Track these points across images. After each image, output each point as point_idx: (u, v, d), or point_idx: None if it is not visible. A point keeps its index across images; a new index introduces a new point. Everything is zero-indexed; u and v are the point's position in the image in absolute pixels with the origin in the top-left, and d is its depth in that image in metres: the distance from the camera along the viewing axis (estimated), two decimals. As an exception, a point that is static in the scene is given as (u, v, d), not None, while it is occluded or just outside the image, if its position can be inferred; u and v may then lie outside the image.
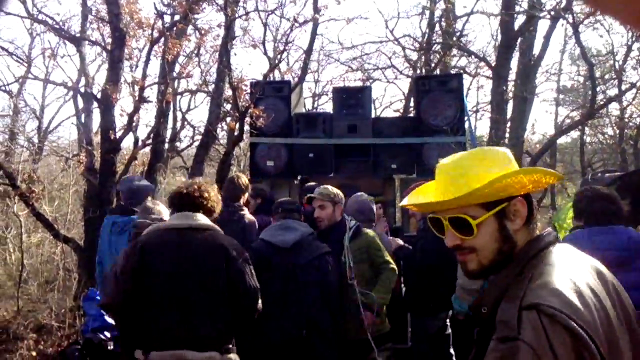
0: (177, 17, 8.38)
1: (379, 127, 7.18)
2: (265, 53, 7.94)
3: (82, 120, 11.54)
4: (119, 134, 7.29)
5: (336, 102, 7.36)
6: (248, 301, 3.13)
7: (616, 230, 3.20)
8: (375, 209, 4.93)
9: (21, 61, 14.73)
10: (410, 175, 7.14)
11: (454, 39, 12.33)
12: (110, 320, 4.62)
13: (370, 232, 4.30)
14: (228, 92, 9.75)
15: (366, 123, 7.12)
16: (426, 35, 14.75)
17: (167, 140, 12.65)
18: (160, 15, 7.54)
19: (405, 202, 1.73)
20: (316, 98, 18.48)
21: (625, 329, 1.39)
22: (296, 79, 9.50)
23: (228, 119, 11.16)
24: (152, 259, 3.10)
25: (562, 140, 16.94)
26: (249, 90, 7.18)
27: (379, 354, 4.12)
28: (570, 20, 7.27)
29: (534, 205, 1.54)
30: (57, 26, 8.68)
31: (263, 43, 7.79)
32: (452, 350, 4.72)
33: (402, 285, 5.27)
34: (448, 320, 4.67)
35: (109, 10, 7.37)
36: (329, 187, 4.33)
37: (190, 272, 3.05)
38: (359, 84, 16.62)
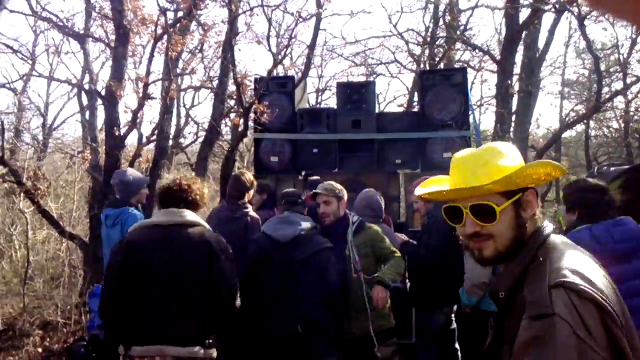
0: (180, 14, 8.37)
1: (383, 122, 7.17)
2: (270, 49, 7.90)
3: (87, 117, 11.57)
4: (123, 131, 7.30)
5: (340, 97, 7.35)
6: (226, 298, 3.15)
7: (625, 221, 3.22)
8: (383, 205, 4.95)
9: (25, 58, 14.79)
10: (414, 170, 7.12)
11: (458, 33, 12.28)
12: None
13: (373, 226, 4.28)
14: (232, 88, 9.75)
15: (370, 118, 7.11)
16: (430, 29, 14.71)
17: (171, 136, 12.67)
18: (163, 11, 7.52)
19: (422, 191, 1.78)
20: (320, 93, 18.49)
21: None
22: (300, 74, 9.49)
23: (232, 115, 11.16)
24: (137, 256, 3.12)
25: (567, 133, 16.88)
26: (253, 86, 7.17)
27: (385, 350, 4.11)
28: (576, 14, 7.22)
29: (538, 197, 1.66)
30: (61, 23, 8.69)
31: (267, 39, 7.77)
32: (457, 345, 4.71)
33: (407, 280, 5.27)
34: (453, 315, 4.66)
35: (113, 7, 7.36)
36: (333, 182, 4.31)
37: (174, 268, 3.06)
38: (363, 78, 16.62)
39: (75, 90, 15.06)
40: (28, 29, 32.90)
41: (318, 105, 16.40)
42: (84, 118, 12.90)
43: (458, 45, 13.81)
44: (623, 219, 3.23)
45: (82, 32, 9.66)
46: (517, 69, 11.46)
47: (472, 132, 7.35)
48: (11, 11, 8.09)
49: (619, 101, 13.73)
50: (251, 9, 7.73)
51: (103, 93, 7.55)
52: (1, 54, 16.45)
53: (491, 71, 14.57)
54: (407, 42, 15.25)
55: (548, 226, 1.64)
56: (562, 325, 1.33)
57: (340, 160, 7.07)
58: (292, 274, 3.64)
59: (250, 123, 7.05)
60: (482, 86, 17.96)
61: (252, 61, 34.88)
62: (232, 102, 10.73)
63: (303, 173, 7.09)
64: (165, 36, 7.54)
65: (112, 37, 8.39)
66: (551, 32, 11.92)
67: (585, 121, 13.28)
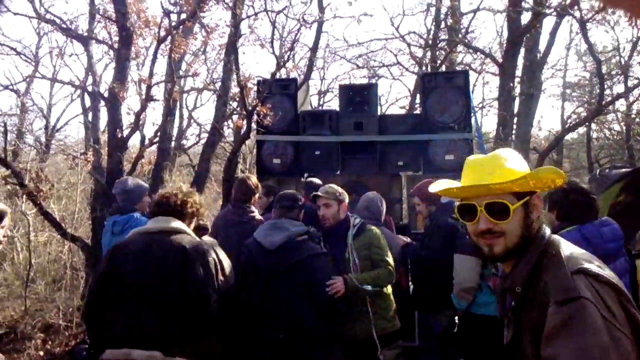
0: (183, 16, 8.39)
1: (385, 125, 7.17)
2: (273, 52, 7.91)
3: (89, 118, 11.59)
4: (125, 132, 7.31)
5: (342, 99, 7.35)
6: (201, 306, 3.03)
7: (609, 222, 3.34)
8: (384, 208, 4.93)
9: (29, 60, 14.84)
10: (416, 172, 7.13)
11: (460, 35, 12.29)
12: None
13: (374, 229, 4.23)
14: (235, 90, 9.77)
15: (372, 120, 7.11)
16: (431, 32, 14.72)
17: (173, 138, 12.68)
18: (167, 13, 7.54)
19: (438, 188, 1.89)
20: (322, 95, 18.50)
21: None
22: (302, 77, 9.49)
23: (234, 117, 11.18)
24: (118, 262, 3.12)
25: (569, 136, 16.87)
26: (255, 89, 7.18)
27: (388, 353, 4.11)
28: (577, 17, 7.23)
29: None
30: (65, 25, 8.71)
31: (271, 42, 7.78)
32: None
33: (410, 282, 5.27)
34: (456, 317, 4.65)
35: (116, 9, 7.38)
36: (334, 185, 4.29)
37: (146, 273, 3.03)
38: (365, 80, 16.63)
39: (78, 92, 15.11)
40: (32, 31, 32.99)
41: (320, 108, 16.42)
42: (87, 120, 12.93)
43: (460, 47, 13.81)
44: (607, 220, 3.32)
45: (85, 34, 9.68)
46: (518, 72, 11.47)
47: (474, 135, 7.35)
48: (15, 13, 8.12)
49: (621, 104, 13.73)
50: (255, 14, 7.74)
51: (106, 95, 7.56)
52: (5, 56, 16.47)
53: (493, 74, 14.59)
54: (409, 45, 15.27)
55: (547, 227, 1.79)
56: (590, 307, 1.46)
57: (342, 162, 7.08)
58: (277, 281, 3.56)
59: (253, 125, 7.06)
60: (483, 88, 17.96)
61: (256, 64, 34.95)
62: (234, 104, 10.74)
63: (305, 175, 7.09)
64: (169, 38, 7.56)
65: (116, 39, 8.42)
66: (552, 35, 11.93)
67: (587, 123, 13.27)
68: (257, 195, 4.97)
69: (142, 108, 7.30)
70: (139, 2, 8.37)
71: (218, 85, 11.07)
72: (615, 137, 16.24)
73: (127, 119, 7.52)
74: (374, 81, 16.19)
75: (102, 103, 8.33)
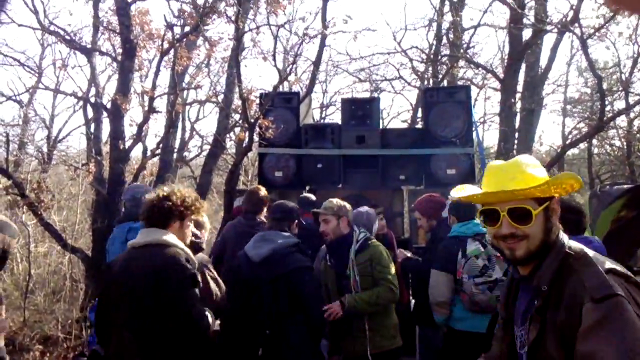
0: (187, 29, 8.44)
1: (387, 138, 7.19)
2: (275, 65, 7.94)
3: (92, 130, 11.61)
4: (128, 144, 7.32)
5: (345, 113, 7.38)
6: (177, 322, 2.92)
7: (592, 239, 3.39)
8: (377, 222, 4.86)
9: (32, 71, 14.90)
10: (418, 186, 7.13)
11: (462, 51, 12.35)
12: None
13: (378, 245, 4.15)
14: (237, 103, 9.79)
15: (374, 134, 7.13)
16: (433, 47, 14.79)
17: (175, 149, 12.71)
18: (170, 26, 7.59)
19: (460, 194, 1.95)
20: (324, 108, 18.55)
21: None
22: (304, 90, 9.52)
23: (237, 130, 11.20)
24: (109, 277, 3.10)
25: (570, 151, 16.88)
26: (258, 102, 7.20)
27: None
28: (578, 34, 7.27)
29: None
30: (69, 37, 8.74)
31: (273, 55, 7.81)
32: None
33: (411, 297, 5.25)
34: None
35: (120, 21, 7.42)
36: (334, 200, 4.23)
37: (126, 291, 2.95)
38: (367, 94, 16.69)
39: (81, 103, 15.13)
40: (36, 42, 33.19)
41: (322, 121, 16.46)
42: (89, 131, 12.95)
43: (461, 62, 13.87)
44: (591, 238, 3.35)
45: (89, 45, 9.71)
46: (519, 87, 11.50)
47: (475, 149, 7.36)
48: (19, 25, 8.15)
49: (622, 120, 13.75)
50: (257, 27, 7.78)
51: (109, 106, 7.58)
52: (8, 67, 16.56)
53: (494, 89, 14.63)
54: (411, 60, 15.32)
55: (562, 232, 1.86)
56: (626, 304, 1.53)
57: (344, 175, 7.09)
58: (260, 294, 3.54)
59: (255, 138, 7.08)
60: (485, 103, 17.99)
61: (258, 77, 35.13)
62: (237, 117, 10.77)
63: (307, 188, 7.09)
64: (172, 51, 7.59)
65: (119, 51, 8.45)
66: (553, 51, 11.99)
67: (587, 139, 13.29)
68: (265, 208, 4.98)
69: (144, 120, 7.31)
70: (143, 14, 8.43)
71: (221, 97, 11.09)
72: (616, 153, 16.25)
73: (129, 131, 7.55)
74: (376, 95, 16.26)
75: (105, 114, 8.33)
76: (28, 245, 8.26)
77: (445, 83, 13.35)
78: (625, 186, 6.11)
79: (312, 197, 5.71)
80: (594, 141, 15.39)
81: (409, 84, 16.23)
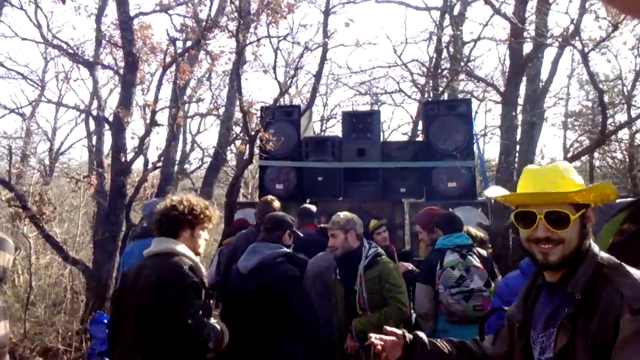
0: (189, 43, 8.49)
1: (388, 151, 7.20)
2: (276, 78, 7.99)
3: (94, 142, 11.65)
4: (129, 157, 7.34)
5: (345, 125, 7.39)
6: (176, 332, 2.89)
7: None
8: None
9: (35, 84, 14.98)
10: (419, 199, 7.13)
11: (462, 64, 12.39)
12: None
13: (387, 261, 4.07)
14: (238, 115, 9.84)
15: (375, 147, 7.15)
16: (434, 60, 14.83)
17: (176, 162, 12.73)
18: (172, 41, 7.64)
19: (495, 193, 1.96)
20: (324, 121, 18.60)
21: None
22: (305, 103, 9.56)
23: (237, 142, 11.23)
24: (121, 285, 3.13)
25: (571, 164, 16.86)
26: (259, 115, 7.23)
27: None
28: (579, 47, 7.30)
29: None
30: (71, 51, 8.81)
31: (274, 68, 7.86)
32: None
33: (412, 310, 5.23)
34: None
35: (122, 35, 7.48)
36: (341, 214, 4.18)
37: (132, 300, 2.98)
38: (367, 107, 16.73)
39: (83, 116, 15.19)
40: (39, 55, 33.36)
41: (323, 133, 16.49)
42: (91, 143, 13.00)
43: (462, 75, 13.91)
44: None
45: (91, 59, 9.78)
46: (520, 100, 11.51)
47: (476, 162, 7.37)
48: (23, 39, 8.22)
49: (624, 133, 13.75)
50: (258, 40, 7.83)
51: (111, 119, 7.62)
52: (11, 80, 16.65)
53: (495, 101, 14.66)
54: (411, 73, 15.37)
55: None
56: None
57: (345, 188, 7.09)
58: (247, 305, 3.54)
59: (256, 150, 7.09)
60: (486, 116, 18.04)
61: (259, 90, 35.28)
62: (238, 130, 10.81)
63: (308, 201, 7.09)
64: (174, 65, 7.64)
65: (121, 64, 8.51)
66: (555, 64, 12.01)
67: (589, 152, 13.27)
68: None
69: (146, 133, 7.34)
70: (145, 29, 8.50)
71: (222, 110, 11.14)
72: (618, 166, 16.22)
73: (131, 143, 7.57)
74: (376, 107, 16.30)
75: (107, 127, 8.37)
76: (29, 257, 8.26)
77: (445, 96, 13.38)
78: (627, 199, 6.10)
79: (313, 207, 5.70)
80: (596, 154, 15.36)
81: (409, 97, 16.26)
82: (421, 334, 2.11)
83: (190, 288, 2.93)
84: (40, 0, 12.43)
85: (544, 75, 11.89)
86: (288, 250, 3.79)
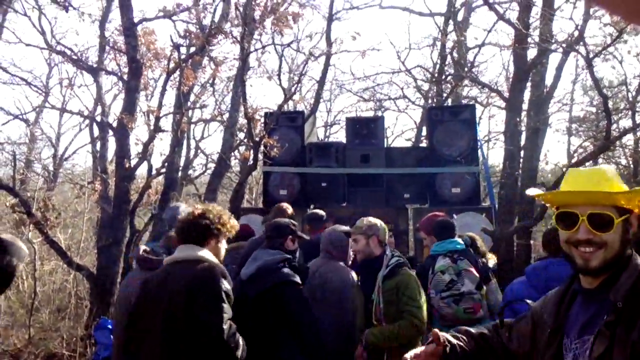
0: (192, 49, 8.52)
1: (392, 157, 7.20)
2: (280, 84, 8.00)
3: (97, 148, 11.69)
4: (133, 162, 7.35)
5: (349, 131, 7.40)
6: (209, 339, 2.91)
7: None
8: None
9: (39, 91, 15.03)
10: (423, 205, 7.12)
11: (466, 70, 12.39)
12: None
13: (407, 273, 3.85)
14: (242, 121, 9.85)
15: (379, 153, 7.15)
16: (437, 66, 14.84)
17: (180, 168, 12.74)
18: (176, 47, 7.66)
19: (536, 191, 1.93)
20: (328, 127, 18.61)
21: None
22: (309, 109, 9.57)
23: (241, 148, 11.24)
24: (144, 295, 3.11)
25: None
26: (263, 121, 7.24)
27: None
28: (584, 53, 7.29)
29: None
30: (75, 57, 8.85)
31: (279, 75, 7.88)
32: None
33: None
34: None
35: (126, 41, 7.51)
36: (365, 219, 4.08)
37: (160, 307, 2.97)
38: (371, 113, 16.73)
39: (87, 121, 15.25)
40: (42, 61, 33.52)
41: (326, 139, 16.50)
42: (95, 149, 13.03)
43: (466, 81, 13.91)
44: None
45: (95, 65, 9.83)
46: (524, 106, 11.50)
47: (480, 168, 7.36)
48: (27, 45, 8.26)
49: (628, 138, 13.72)
50: (263, 47, 7.86)
51: (114, 125, 7.64)
52: (16, 86, 16.72)
53: (499, 107, 14.65)
54: (415, 79, 15.40)
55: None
56: None
57: (348, 194, 7.09)
58: (246, 311, 3.50)
59: (260, 156, 7.10)
60: (489, 121, 18.01)
61: (263, 96, 35.36)
62: (242, 136, 10.82)
63: (312, 207, 7.09)
64: (178, 71, 7.66)
65: (125, 70, 8.53)
66: (559, 69, 11.99)
67: (593, 158, 13.24)
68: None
69: (150, 139, 7.35)
70: (149, 34, 8.52)
71: (225, 116, 11.17)
72: (622, 171, 16.18)
73: (135, 149, 7.58)
74: (379, 113, 16.31)
75: (111, 133, 8.40)
76: (34, 263, 8.27)
77: (449, 102, 13.38)
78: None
79: (320, 212, 5.67)
80: (600, 160, 15.33)
81: (413, 102, 16.28)
82: (455, 341, 2.03)
83: (225, 294, 2.97)
84: (44, 6, 12.49)
85: (549, 81, 11.87)
86: (288, 256, 3.75)
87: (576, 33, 7.81)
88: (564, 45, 8.78)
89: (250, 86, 18.26)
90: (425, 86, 15.60)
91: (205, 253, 3.11)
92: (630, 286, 1.68)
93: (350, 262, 4.26)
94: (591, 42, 9.32)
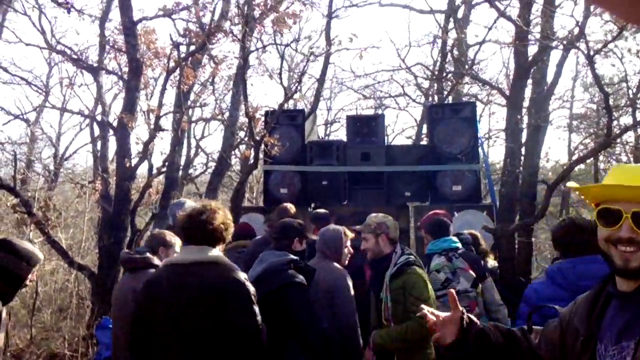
0: (192, 47, 8.51)
1: (393, 155, 7.20)
2: (281, 83, 7.99)
3: (98, 147, 11.69)
4: (134, 162, 7.35)
5: (350, 130, 7.40)
6: (245, 342, 2.93)
7: (598, 259, 3.25)
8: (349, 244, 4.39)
9: (39, 90, 15.03)
10: (424, 202, 7.12)
11: (466, 67, 12.38)
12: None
13: (415, 272, 3.69)
14: (242, 120, 9.84)
15: (380, 151, 7.14)
16: (438, 63, 14.83)
17: (181, 167, 12.74)
18: (176, 45, 7.66)
19: (573, 184, 1.89)
20: (329, 125, 18.60)
21: None
22: (309, 107, 9.56)
23: (242, 147, 11.24)
24: (154, 297, 3.03)
25: (576, 167, 16.82)
26: (263, 119, 7.24)
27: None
28: (584, 50, 7.27)
29: None
30: (75, 56, 8.85)
31: (279, 74, 7.87)
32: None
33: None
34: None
35: (126, 40, 7.50)
36: (374, 216, 4.00)
37: (183, 310, 2.91)
38: (371, 110, 16.72)
39: (87, 121, 15.25)
40: (43, 61, 33.53)
41: (327, 137, 16.49)
42: (95, 149, 13.03)
43: (466, 79, 13.89)
44: (596, 258, 3.26)
45: (95, 64, 9.82)
46: (525, 103, 11.47)
47: (481, 166, 7.36)
48: (27, 44, 8.26)
49: (629, 135, 13.70)
50: (264, 46, 7.85)
51: (115, 124, 7.63)
52: (16, 86, 16.72)
53: (499, 104, 14.64)
54: (415, 76, 15.38)
55: None
56: None
57: (349, 192, 7.09)
58: None
59: (260, 155, 7.10)
60: (490, 119, 17.98)
61: (264, 94, 35.35)
62: (242, 134, 10.82)
63: (312, 205, 7.09)
64: (178, 69, 7.65)
65: (125, 69, 8.53)
66: (559, 67, 11.97)
67: (594, 155, 13.23)
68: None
69: (150, 138, 7.35)
70: (149, 33, 8.51)
71: (226, 115, 11.16)
72: (623, 168, 16.15)
73: (135, 148, 7.58)
74: (380, 111, 16.29)
75: (111, 132, 8.40)
76: (34, 263, 8.26)
77: (450, 99, 13.37)
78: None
79: (325, 211, 5.64)
80: (601, 157, 15.31)
81: (413, 100, 16.27)
82: (475, 319, 1.99)
83: (253, 296, 3.00)
84: (44, 6, 12.50)
85: (549, 78, 11.85)
86: (294, 258, 3.73)
87: (577, 30, 7.79)
88: (564, 42, 8.76)
89: (251, 85, 18.26)
90: (426, 84, 15.59)
91: (219, 254, 3.07)
92: None
93: (346, 262, 4.23)
94: (592, 39, 9.30)
